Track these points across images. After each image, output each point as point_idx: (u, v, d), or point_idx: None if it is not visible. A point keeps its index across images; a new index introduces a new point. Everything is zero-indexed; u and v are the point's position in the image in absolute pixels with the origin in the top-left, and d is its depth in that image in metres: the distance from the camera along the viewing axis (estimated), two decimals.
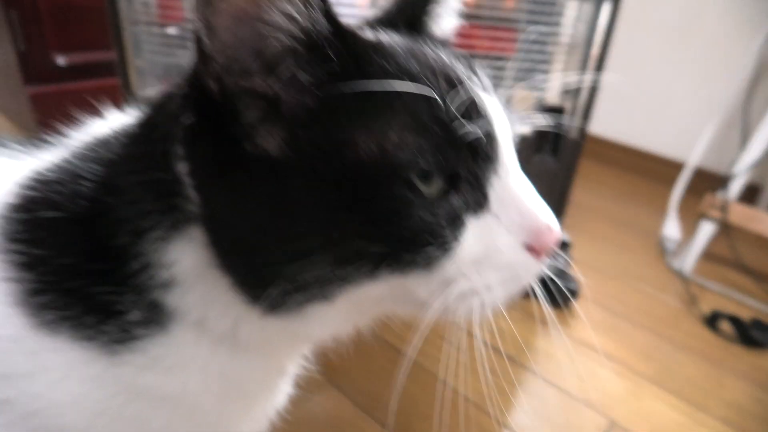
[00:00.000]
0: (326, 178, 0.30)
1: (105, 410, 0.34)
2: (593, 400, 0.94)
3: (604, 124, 1.95)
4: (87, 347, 0.34)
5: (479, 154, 0.33)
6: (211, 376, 0.37)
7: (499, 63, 1.07)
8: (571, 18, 1.00)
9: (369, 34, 0.35)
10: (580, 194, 1.61)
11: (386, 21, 0.41)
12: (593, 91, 1.04)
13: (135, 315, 0.34)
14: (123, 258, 0.34)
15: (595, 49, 1.00)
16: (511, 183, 0.34)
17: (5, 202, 0.35)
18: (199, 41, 0.29)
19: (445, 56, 0.35)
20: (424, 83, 0.31)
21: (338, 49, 0.30)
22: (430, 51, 0.35)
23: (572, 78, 1.03)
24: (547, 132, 1.08)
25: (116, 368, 0.34)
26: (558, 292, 1.11)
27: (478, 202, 0.33)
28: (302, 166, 0.30)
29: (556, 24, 1.01)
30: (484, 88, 0.35)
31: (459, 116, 0.32)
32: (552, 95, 1.07)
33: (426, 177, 0.31)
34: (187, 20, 1.08)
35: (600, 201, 1.72)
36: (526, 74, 1.05)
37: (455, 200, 0.32)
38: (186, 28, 1.06)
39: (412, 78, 0.31)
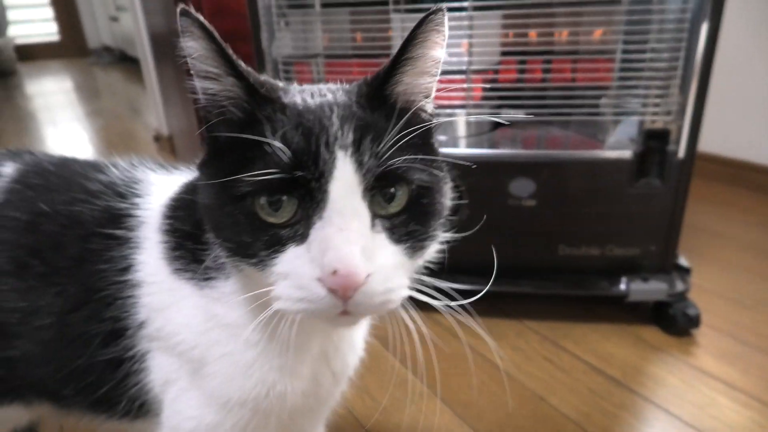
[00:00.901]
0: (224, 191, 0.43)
1: (202, 332, 0.50)
2: (709, 428, 0.89)
3: (718, 142, 1.81)
4: (192, 285, 0.50)
5: (311, 200, 0.41)
6: (255, 316, 0.48)
7: (598, 92, 1.11)
8: (666, 39, 1.01)
9: (282, 96, 0.45)
10: (697, 217, 1.51)
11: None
12: (699, 109, 1.02)
13: (209, 263, 0.49)
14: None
15: (697, 68, 1.00)
16: (328, 227, 0.40)
17: (169, 198, 0.55)
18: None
19: (333, 118, 0.42)
20: (280, 138, 0.41)
21: (246, 106, 0.44)
22: (323, 113, 0.43)
23: (674, 99, 1.03)
24: (652, 155, 1.08)
25: (203, 299, 0.50)
26: (676, 318, 1.09)
27: (302, 235, 0.41)
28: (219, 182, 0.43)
29: (652, 48, 1.02)
30: (341, 146, 0.41)
31: (299, 168, 0.40)
32: (655, 119, 1.07)
33: (275, 208, 0.41)
34: (314, 81, 1.30)
35: (722, 223, 1.58)
36: (625, 101, 1.08)
37: (283, 231, 0.41)
38: None
39: (283, 132, 0.42)
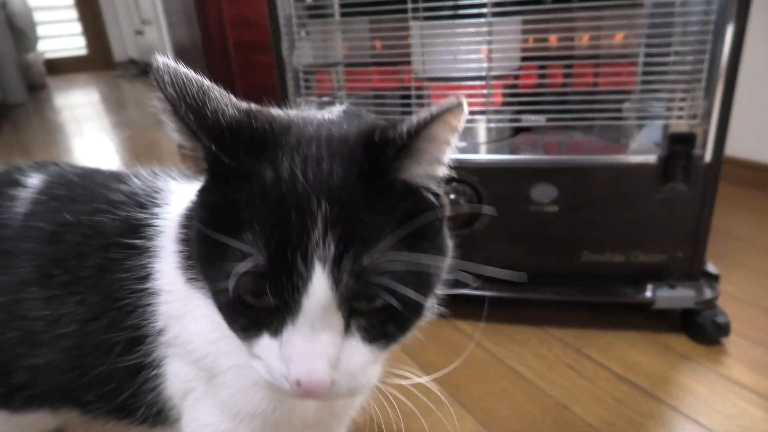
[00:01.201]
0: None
1: (211, 341, 0.50)
2: None
3: (746, 145, 1.76)
4: (203, 294, 0.49)
5: (286, 304, 0.38)
6: None
7: (621, 97, 1.10)
8: (690, 41, 1.00)
9: (264, 163, 0.39)
10: (725, 222, 1.48)
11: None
12: (725, 112, 1.00)
13: None
14: None
15: (723, 70, 0.98)
16: (298, 336, 0.38)
17: (186, 207, 0.54)
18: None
19: (318, 219, 0.37)
20: (255, 245, 0.37)
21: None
22: (308, 205, 0.37)
23: (700, 102, 1.01)
24: (677, 160, 1.06)
25: (212, 309, 0.46)
26: (705, 326, 1.06)
27: (275, 330, 0.39)
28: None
29: (675, 51, 1.01)
30: (320, 258, 0.36)
31: (273, 276, 0.37)
32: (680, 122, 1.05)
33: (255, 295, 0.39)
34: (334, 91, 1.31)
35: (751, 229, 1.54)
36: (649, 104, 1.07)
37: (261, 316, 0.40)
38: (334, 96, 1.29)
39: (256, 233, 0.37)
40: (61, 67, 6.00)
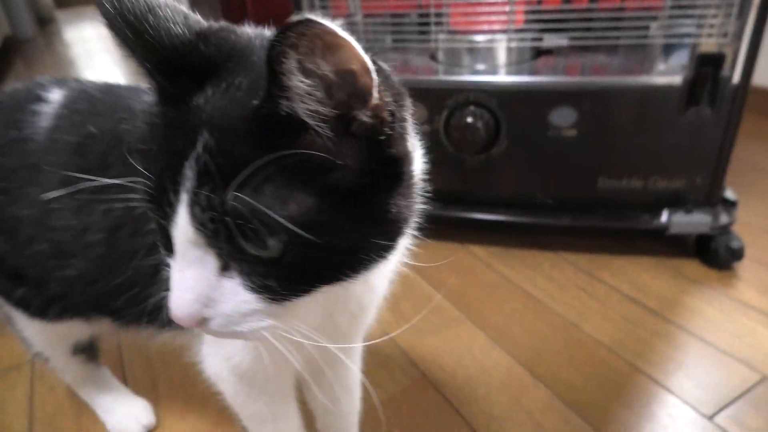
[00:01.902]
0: None
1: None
2: (746, 355, 0.89)
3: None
4: None
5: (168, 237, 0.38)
6: None
7: (649, 14, 1.05)
8: None
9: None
10: (747, 153, 1.45)
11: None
12: (758, 31, 0.96)
13: None
14: None
15: None
16: (174, 268, 0.38)
17: None
18: None
19: (197, 147, 0.34)
20: (148, 170, 0.37)
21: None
22: (192, 134, 0.35)
23: (732, 19, 0.97)
24: (704, 82, 1.03)
25: None
26: (719, 251, 1.06)
27: (169, 256, 0.39)
28: None
29: None
30: (186, 190, 0.35)
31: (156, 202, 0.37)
32: (709, 41, 1.01)
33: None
34: (350, 14, 1.27)
35: (763, 158, 1.51)
36: (678, 24, 1.02)
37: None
38: (351, 21, 1.25)
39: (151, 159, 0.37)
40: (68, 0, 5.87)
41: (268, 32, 0.43)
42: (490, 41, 1.16)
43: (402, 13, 1.27)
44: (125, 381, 0.91)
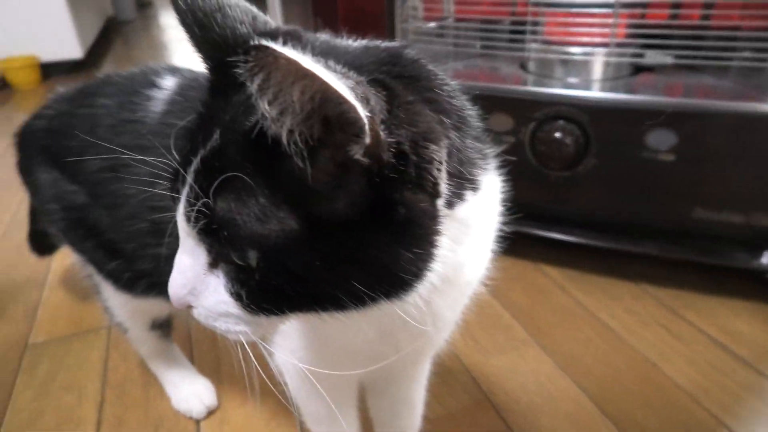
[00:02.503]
0: None
1: None
2: None
3: None
4: None
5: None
6: None
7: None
8: None
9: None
10: None
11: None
12: None
13: None
14: None
15: None
16: (178, 251, 0.40)
17: None
18: None
19: (213, 137, 0.36)
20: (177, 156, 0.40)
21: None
22: (208, 128, 0.37)
23: None
24: None
25: None
26: None
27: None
28: None
29: None
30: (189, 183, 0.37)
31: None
32: None
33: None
34: (444, 17, 1.25)
35: None
36: None
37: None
38: (442, 24, 1.23)
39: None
40: None
41: (345, 41, 0.42)
42: (587, 54, 1.11)
43: (494, 20, 1.23)
44: (192, 360, 0.94)
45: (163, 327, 0.83)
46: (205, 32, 0.40)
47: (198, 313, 0.40)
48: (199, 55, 0.41)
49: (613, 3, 0.99)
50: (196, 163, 0.36)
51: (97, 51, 3.45)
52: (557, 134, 1.06)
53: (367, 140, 0.31)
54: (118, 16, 4.91)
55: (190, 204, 0.35)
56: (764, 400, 0.85)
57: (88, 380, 0.90)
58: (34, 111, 0.76)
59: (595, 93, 1.08)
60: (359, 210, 0.33)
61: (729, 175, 1.00)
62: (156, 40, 4.16)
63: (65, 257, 1.16)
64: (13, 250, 1.25)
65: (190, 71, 0.68)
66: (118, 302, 0.76)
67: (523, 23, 1.15)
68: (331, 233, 0.34)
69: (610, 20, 1.02)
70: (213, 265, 0.38)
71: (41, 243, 1.01)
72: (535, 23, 1.12)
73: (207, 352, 0.96)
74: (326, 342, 0.53)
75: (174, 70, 0.69)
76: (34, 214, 0.96)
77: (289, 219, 0.33)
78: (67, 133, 0.69)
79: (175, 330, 0.90)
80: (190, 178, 0.36)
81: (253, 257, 0.35)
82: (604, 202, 1.11)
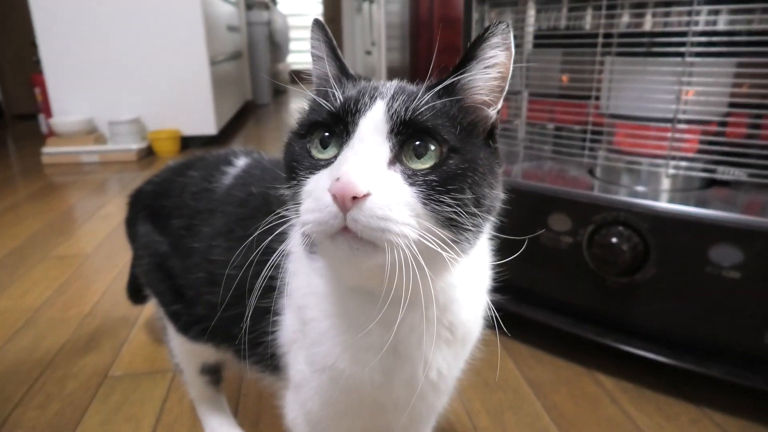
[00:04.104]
0: None
1: (304, 295, 0.59)
2: None
3: None
4: (307, 256, 0.60)
5: (347, 134, 0.48)
6: (334, 295, 0.57)
7: None
8: None
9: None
10: None
11: None
12: None
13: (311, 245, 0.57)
14: None
15: None
16: (349, 150, 0.47)
17: None
18: None
19: (387, 85, 0.52)
20: (339, 91, 0.51)
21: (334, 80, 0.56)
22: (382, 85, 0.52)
23: None
24: None
25: (310, 269, 0.59)
26: None
27: (329, 163, 0.49)
28: None
29: None
30: (380, 96, 0.49)
31: (343, 111, 0.49)
32: None
33: (323, 145, 0.50)
34: (508, 119, 1.33)
35: None
36: None
37: (322, 162, 0.49)
38: (506, 126, 1.31)
39: (344, 89, 0.52)
40: (302, 77, 7.00)
41: None
42: (652, 165, 1.12)
43: (564, 126, 1.29)
44: (236, 411, 1.02)
45: (212, 374, 0.92)
46: (335, 57, 0.58)
47: (372, 202, 0.43)
48: (329, 68, 0.56)
49: (671, 118, 1.01)
50: (385, 90, 0.50)
51: (231, 128, 3.96)
52: (614, 239, 1.06)
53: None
54: (256, 100, 5.60)
55: (392, 108, 0.47)
56: None
57: (145, 415, 1.01)
58: (148, 178, 0.94)
59: (654, 202, 1.07)
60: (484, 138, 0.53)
61: None
62: (284, 122, 4.67)
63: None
64: (119, 293, 1.46)
65: (258, 154, 0.83)
66: (176, 343, 0.88)
67: (593, 132, 1.20)
68: (476, 153, 0.50)
69: (669, 134, 1.04)
70: (392, 163, 0.46)
71: (137, 291, 1.17)
72: (600, 132, 1.16)
73: (251, 407, 1.04)
74: (336, 385, 0.59)
75: (248, 153, 0.83)
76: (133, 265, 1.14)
77: (460, 137, 0.49)
78: (164, 195, 0.85)
79: (227, 382, 0.99)
80: (387, 94, 0.49)
81: (432, 153, 0.47)
82: (666, 314, 1.07)
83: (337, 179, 0.43)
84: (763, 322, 0.97)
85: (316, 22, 0.56)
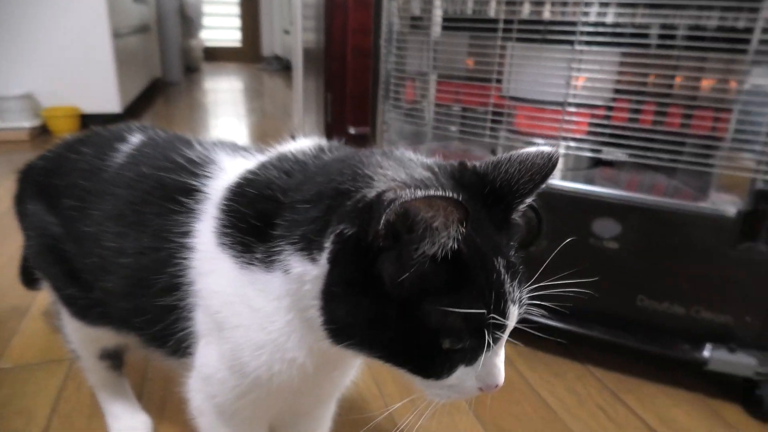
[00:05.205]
0: (406, 313, 0.47)
1: (228, 302, 0.56)
2: None
3: None
4: (232, 261, 0.55)
5: (491, 338, 0.48)
6: (279, 315, 0.54)
7: (711, 143, 1.05)
8: None
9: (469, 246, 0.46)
10: None
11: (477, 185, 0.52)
12: None
13: (258, 257, 0.54)
14: (270, 231, 0.53)
15: None
16: (495, 357, 0.50)
17: (235, 180, 0.60)
18: (387, 228, 0.43)
19: (506, 276, 0.48)
20: (482, 293, 0.46)
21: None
22: (503, 271, 0.48)
23: None
24: (761, 218, 0.99)
25: (238, 277, 0.55)
26: (763, 400, 0.98)
27: (471, 359, 0.49)
28: (397, 300, 0.47)
29: None
30: (514, 301, 0.49)
31: (490, 323, 0.47)
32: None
33: (456, 341, 0.48)
34: (416, 100, 1.37)
35: None
36: (738, 154, 1.01)
37: (456, 355, 0.49)
38: (415, 106, 1.35)
39: (479, 284, 0.47)
40: (216, 55, 6.72)
41: None
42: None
43: (471, 108, 1.35)
44: (141, 395, 0.99)
45: (113, 358, 0.89)
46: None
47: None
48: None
49: (563, 102, 1.10)
50: (518, 294, 0.50)
51: (138, 107, 3.74)
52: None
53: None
54: (166, 77, 5.32)
55: (520, 303, 0.50)
56: None
57: (39, 407, 0.96)
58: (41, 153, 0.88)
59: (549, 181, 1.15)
60: None
61: (669, 268, 1.05)
62: (196, 101, 4.48)
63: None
64: (8, 281, 1.36)
65: (154, 130, 0.79)
66: (72, 328, 0.84)
67: (495, 113, 1.26)
68: None
69: (559, 116, 1.12)
70: None
71: (29, 275, 1.10)
72: (500, 114, 1.23)
73: (157, 391, 1.02)
74: (258, 385, 0.58)
75: (143, 129, 0.79)
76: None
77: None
78: (56, 172, 0.80)
79: (130, 365, 0.96)
80: (517, 293, 0.50)
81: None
82: (555, 281, 1.16)
83: (496, 386, 0.50)
84: (636, 287, 1.08)
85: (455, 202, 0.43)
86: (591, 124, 1.18)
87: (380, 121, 1.34)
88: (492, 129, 1.26)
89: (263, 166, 0.60)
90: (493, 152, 1.33)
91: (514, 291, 0.49)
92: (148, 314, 0.64)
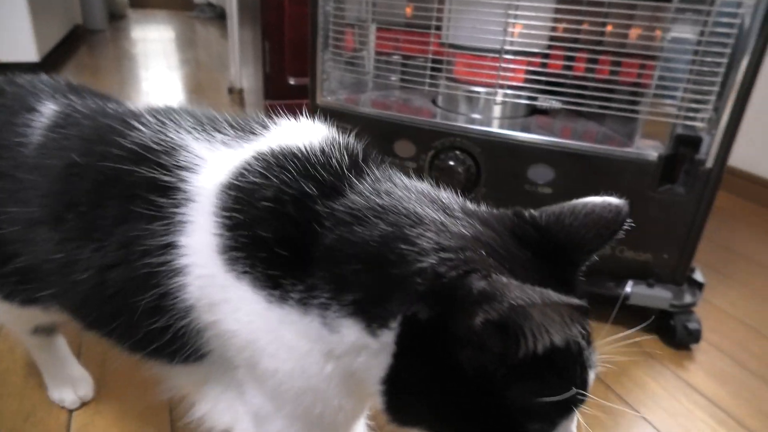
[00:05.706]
0: (487, 400, 0.42)
1: (255, 339, 0.46)
2: None
3: (755, 160, 1.68)
4: (256, 293, 0.45)
5: (571, 411, 0.44)
6: (313, 363, 0.46)
7: (636, 90, 1.10)
8: (712, 42, 0.98)
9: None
10: (720, 234, 1.45)
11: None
12: (735, 119, 0.99)
13: (294, 296, 0.44)
14: (304, 266, 0.44)
15: (740, 77, 0.96)
16: (571, 423, 0.45)
17: (224, 181, 0.48)
18: (485, 326, 0.37)
19: (582, 341, 0.43)
20: (573, 372, 0.42)
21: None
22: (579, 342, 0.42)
23: (711, 106, 1.00)
24: (680, 162, 1.06)
25: (268, 312, 0.45)
26: (676, 329, 1.07)
27: (547, 429, 0.44)
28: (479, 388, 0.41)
29: (695, 51, 0.99)
30: (590, 366, 0.44)
31: (574, 396, 0.42)
32: (687, 123, 1.04)
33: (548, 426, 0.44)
34: (356, 48, 1.35)
35: (745, 244, 1.49)
36: (660, 101, 1.06)
37: (533, 426, 0.43)
38: (355, 55, 1.33)
39: (569, 364, 0.42)
40: (143, 1, 6.28)
41: None
42: (486, 94, 1.22)
43: (411, 56, 1.34)
44: (79, 353, 0.97)
45: (47, 331, 0.83)
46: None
47: None
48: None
49: (499, 49, 1.11)
50: (593, 358, 0.45)
51: (59, 56, 3.47)
52: (451, 162, 1.16)
53: None
54: (87, 24, 4.93)
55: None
56: (604, 410, 0.93)
57: None
58: None
59: (485, 128, 1.18)
60: None
61: None
62: (124, 51, 4.19)
63: None
64: None
65: (69, 99, 0.64)
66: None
67: (435, 62, 1.26)
68: None
69: (497, 64, 1.14)
70: None
71: None
72: (440, 62, 1.23)
73: (95, 347, 0.99)
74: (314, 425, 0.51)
75: (53, 93, 0.65)
76: None
77: None
78: None
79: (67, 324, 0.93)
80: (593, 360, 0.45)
81: None
82: None
83: None
84: None
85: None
86: (528, 72, 1.21)
87: (320, 71, 1.31)
88: (432, 77, 1.27)
89: (271, 166, 0.48)
90: (434, 102, 1.34)
91: (591, 356, 0.44)
92: (136, 333, 0.52)
